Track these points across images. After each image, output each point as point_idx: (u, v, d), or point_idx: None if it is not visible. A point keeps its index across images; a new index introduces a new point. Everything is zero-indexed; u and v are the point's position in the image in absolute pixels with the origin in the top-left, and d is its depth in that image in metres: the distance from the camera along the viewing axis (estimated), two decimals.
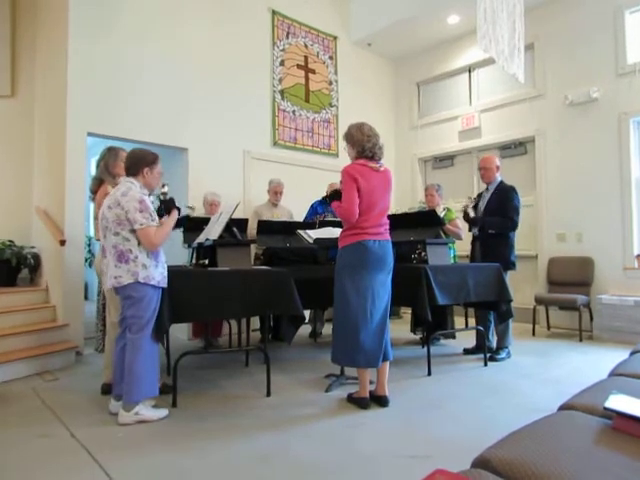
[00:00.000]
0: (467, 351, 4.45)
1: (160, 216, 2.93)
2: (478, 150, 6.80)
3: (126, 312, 2.79)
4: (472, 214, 4.35)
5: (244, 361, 4.08)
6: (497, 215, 4.22)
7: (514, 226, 4.22)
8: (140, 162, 2.84)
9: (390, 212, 3.17)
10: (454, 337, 5.02)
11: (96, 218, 3.45)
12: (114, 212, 2.72)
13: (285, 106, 6.33)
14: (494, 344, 4.33)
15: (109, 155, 3.49)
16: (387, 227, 3.04)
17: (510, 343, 4.27)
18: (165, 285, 2.83)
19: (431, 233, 4.07)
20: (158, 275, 2.78)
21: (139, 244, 2.73)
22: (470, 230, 4.52)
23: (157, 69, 5.10)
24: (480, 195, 4.52)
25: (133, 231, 2.71)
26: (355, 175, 2.90)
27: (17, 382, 3.56)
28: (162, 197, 3.00)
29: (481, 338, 4.24)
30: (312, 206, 5.44)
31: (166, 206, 2.98)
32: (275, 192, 5.30)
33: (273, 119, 6.20)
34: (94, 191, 3.59)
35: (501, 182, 4.37)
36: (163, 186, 3.02)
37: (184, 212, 3.08)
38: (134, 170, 2.84)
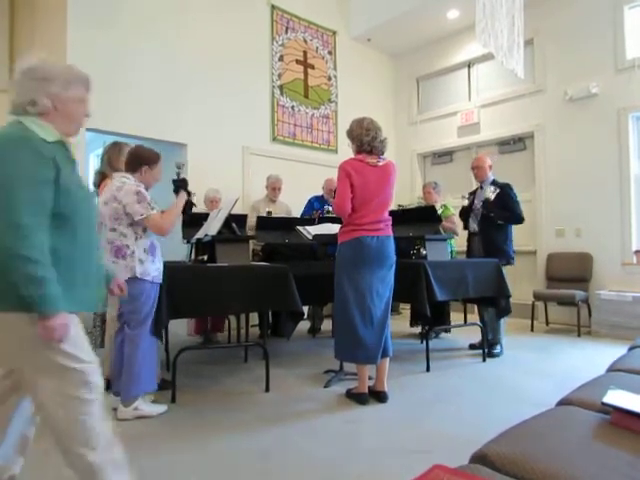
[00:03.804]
0: (473, 346, 4.46)
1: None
2: (477, 146, 6.79)
3: (124, 308, 2.79)
4: (490, 195, 4.30)
5: (243, 357, 4.09)
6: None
7: (520, 219, 4.28)
8: (140, 160, 2.83)
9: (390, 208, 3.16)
10: (449, 331, 5.07)
11: None
12: (111, 207, 2.71)
13: (284, 101, 6.31)
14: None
15: (113, 150, 3.48)
16: (388, 222, 3.03)
17: (503, 337, 4.28)
18: (160, 281, 2.82)
19: (430, 229, 4.07)
20: (154, 270, 2.76)
21: (136, 239, 2.72)
22: (465, 228, 4.55)
23: (156, 64, 5.08)
24: (474, 193, 4.55)
25: (131, 225, 2.71)
26: (349, 171, 2.90)
27: None
28: (175, 178, 2.97)
29: (483, 333, 4.24)
30: (309, 201, 5.44)
31: (175, 186, 2.94)
32: (273, 188, 5.29)
33: (272, 114, 6.18)
34: (97, 185, 3.57)
35: (494, 180, 4.42)
36: (178, 167, 3.00)
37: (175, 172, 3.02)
38: (133, 167, 2.82)
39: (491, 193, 4.31)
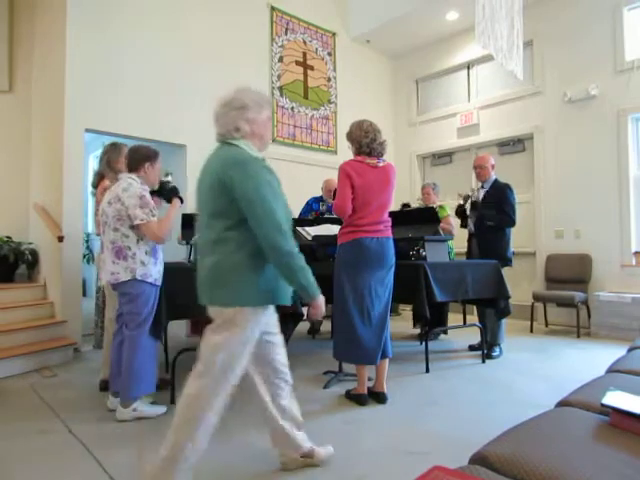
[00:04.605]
0: (472, 348, 4.46)
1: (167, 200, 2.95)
2: (477, 147, 6.80)
3: (123, 308, 2.79)
4: (468, 206, 4.40)
5: None
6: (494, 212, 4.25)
7: (511, 222, 4.24)
8: (141, 157, 2.84)
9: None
10: (446, 332, 5.09)
11: (96, 213, 3.44)
12: (114, 207, 2.71)
13: (284, 103, 6.32)
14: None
15: (112, 150, 3.48)
16: (388, 224, 3.03)
17: (503, 340, 4.28)
18: (160, 283, 2.82)
19: (430, 230, 4.07)
20: (155, 273, 2.77)
21: (138, 241, 2.72)
22: (462, 226, 4.55)
23: (156, 65, 5.08)
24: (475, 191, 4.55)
25: (132, 227, 2.71)
26: (349, 171, 2.90)
27: (15, 378, 3.55)
28: (165, 185, 2.99)
29: (482, 334, 4.24)
30: (307, 203, 5.43)
31: (167, 196, 2.96)
32: None
33: (272, 116, 6.16)
34: (96, 186, 3.57)
35: (496, 180, 4.40)
36: (167, 175, 3.01)
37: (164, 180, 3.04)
38: (135, 165, 2.83)
39: (471, 200, 4.40)
